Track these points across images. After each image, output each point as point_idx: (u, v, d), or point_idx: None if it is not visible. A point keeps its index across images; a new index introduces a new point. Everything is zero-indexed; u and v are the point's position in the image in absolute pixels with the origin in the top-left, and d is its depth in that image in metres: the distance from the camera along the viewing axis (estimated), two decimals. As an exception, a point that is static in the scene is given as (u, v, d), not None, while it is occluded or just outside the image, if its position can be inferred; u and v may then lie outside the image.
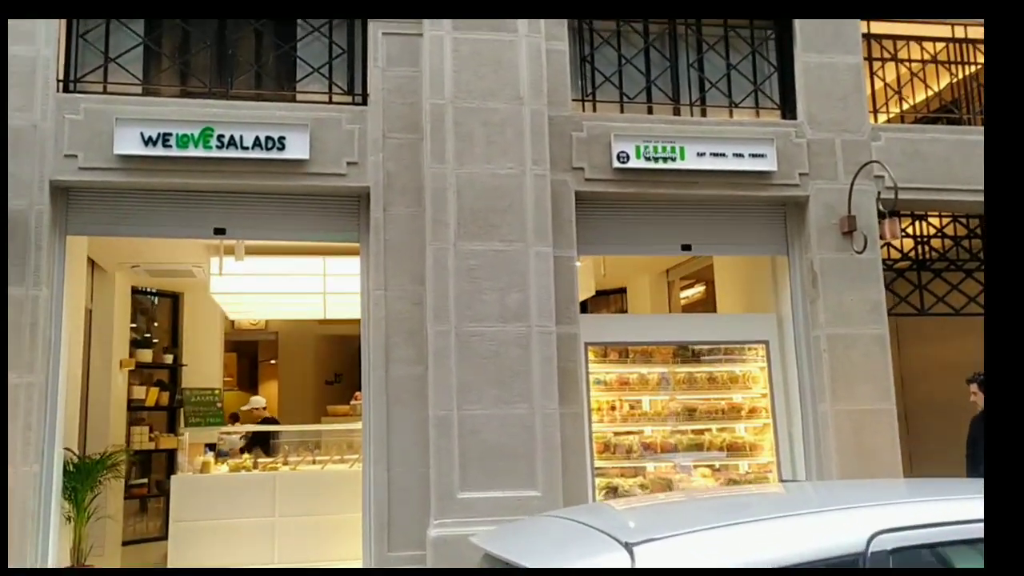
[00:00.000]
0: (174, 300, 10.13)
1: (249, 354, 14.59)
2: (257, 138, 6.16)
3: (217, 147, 6.10)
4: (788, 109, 7.15)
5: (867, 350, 6.76)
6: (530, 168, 6.32)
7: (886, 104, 7.55)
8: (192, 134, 6.07)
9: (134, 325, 9.77)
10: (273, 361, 14.23)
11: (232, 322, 12.70)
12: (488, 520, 5.80)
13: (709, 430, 7.11)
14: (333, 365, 14.02)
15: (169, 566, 7.17)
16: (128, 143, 6.00)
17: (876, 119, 7.31)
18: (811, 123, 7.01)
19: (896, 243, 7.22)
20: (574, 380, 6.42)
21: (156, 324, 10.25)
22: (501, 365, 6.04)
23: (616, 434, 6.97)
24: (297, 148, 6.22)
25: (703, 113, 7.11)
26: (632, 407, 7.13)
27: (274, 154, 6.18)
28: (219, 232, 6.34)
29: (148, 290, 9.69)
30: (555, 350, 6.16)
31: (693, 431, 7.10)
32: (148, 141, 6.02)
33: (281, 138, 6.20)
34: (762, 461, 7.10)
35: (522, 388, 6.04)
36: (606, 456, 6.89)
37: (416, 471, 6.09)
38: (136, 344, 9.57)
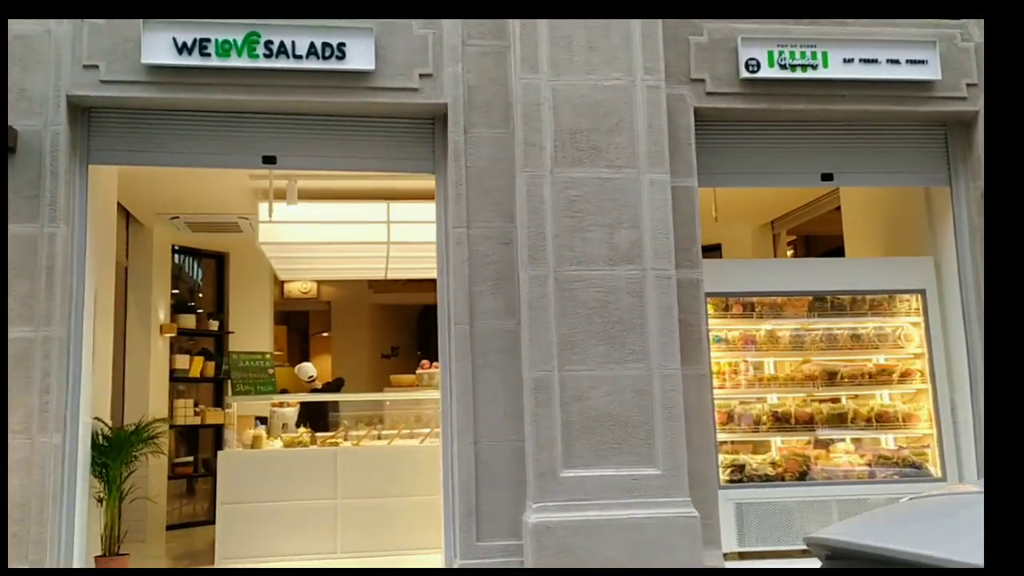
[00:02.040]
0: (219, 261, 9.20)
1: (299, 327, 13.67)
2: (312, 45, 5.10)
3: (265, 56, 5.07)
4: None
5: (1055, 299, 5.49)
6: (641, 79, 5.17)
7: (1062, 5, 6.22)
8: (235, 40, 5.04)
9: (175, 291, 8.86)
10: (325, 334, 13.30)
11: (282, 290, 11.83)
12: (598, 504, 4.76)
13: (854, 397, 5.92)
14: (390, 337, 13.05)
15: (216, 553, 6.22)
16: (158, 51, 4.99)
17: (1058, 18, 5.97)
18: (978, 24, 5.73)
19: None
20: (696, 336, 5.28)
21: (200, 288, 9.33)
22: (610, 317, 4.94)
23: (741, 402, 5.82)
24: (360, 57, 5.15)
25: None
26: (757, 370, 5.97)
27: (332, 64, 5.12)
28: (268, 161, 5.31)
29: (191, 248, 8.75)
30: (675, 299, 5.04)
31: (833, 399, 5.91)
32: (182, 48, 5.00)
33: (341, 45, 5.13)
34: (917, 434, 5.89)
35: (636, 345, 4.93)
36: (729, 428, 5.74)
37: (508, 445, 5.02)
38: (178, 309, 8.67)
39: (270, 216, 6.53)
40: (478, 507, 4.99)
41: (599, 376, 4.89)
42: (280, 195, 6.69)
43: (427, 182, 6.24)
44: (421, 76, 5.26)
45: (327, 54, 5.12)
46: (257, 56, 5.05)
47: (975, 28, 5.71)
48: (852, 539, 1.85)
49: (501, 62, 5.32)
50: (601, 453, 4.84)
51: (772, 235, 8.81)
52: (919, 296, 5.90)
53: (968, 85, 5.64)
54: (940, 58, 5.57)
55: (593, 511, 4.76)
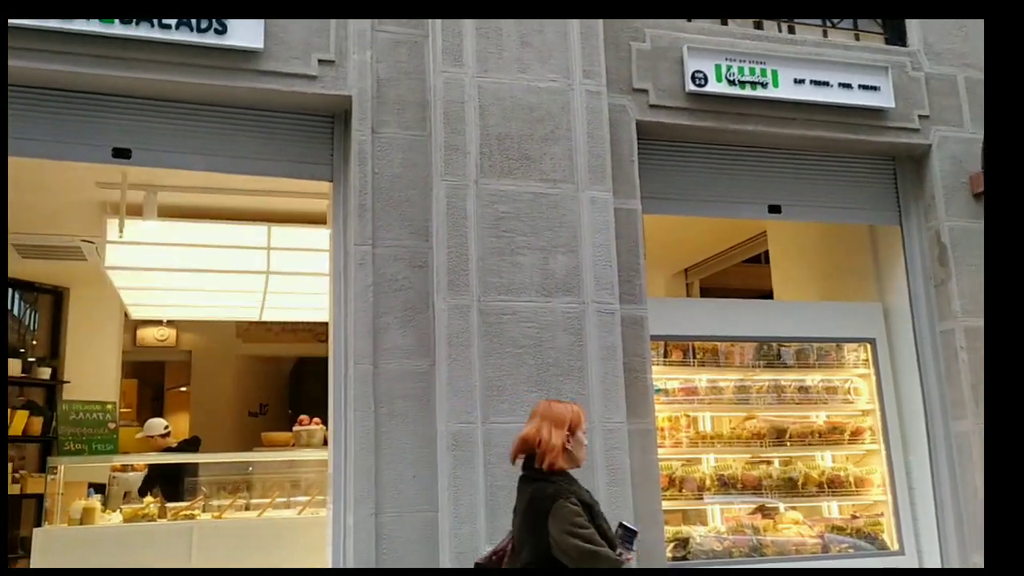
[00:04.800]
0: (56, 298, 7.78)
1: (154, 380, 12.08)
2: (185, 13, 4.10)
3: (122, 22, 4.02)
4: (895, 34, 5.50)
5: (1013, 349, 5.06)
6: (580, 82, 4.46)
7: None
8: None
9: (-1, 331, 7.37)
10: (183, 388, 11.77)
11: (134, 337, 10.36)
12: (530, 591, 3.78)
13: (806, 459, 5.26)
14: (258, 393, 11.67)
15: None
16: (-23, 2, 3.86)
17: (1000, 55, 5.74)
18: (928, 53, 5.40)
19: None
20: (641, 383, 4.49)
21: (30, 329, 7.85)
22: (544, 358, 4.09)
23: (684, 464, 5.05)
24: (245, 33, 4.19)
25: (790, 30, 5.39)
26: (698, 426, 5.24)
27: (210, 39, 4.13)
28: (121, 155, 4.20)
29: (20, 281, 7.32)
30: (619, 338, 4.25)
31: (783, 460, 5.24)
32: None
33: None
34: (869, 501, 5.28)
35: (575, 392, 4.08)
36: (671, 493, 4.94)
37: (419, 516, 4.02)
38: (-1, 352, 7.16)
39: (120, 234, 5.32)
40: (377, 597, 3.93)
41: (531, 430, 4.00)
42: (135, 211, 5.53)
43: (316, 204, 5.33)
44: (321, 62, 4.34)
45: (204, 26, 4.13)
46: (111, 21, 4.00)
47: (924, 57, 5.36)
48: None
49: (418, 52, 4.48)
50: (533, 526, 3.91)
51: (685, 284, 8.27)
52: (868, 346, 5.37)
53: (920, 116, 5.25)
54: (892, 86, 5.17)
55: (523, 600, 3.80)
